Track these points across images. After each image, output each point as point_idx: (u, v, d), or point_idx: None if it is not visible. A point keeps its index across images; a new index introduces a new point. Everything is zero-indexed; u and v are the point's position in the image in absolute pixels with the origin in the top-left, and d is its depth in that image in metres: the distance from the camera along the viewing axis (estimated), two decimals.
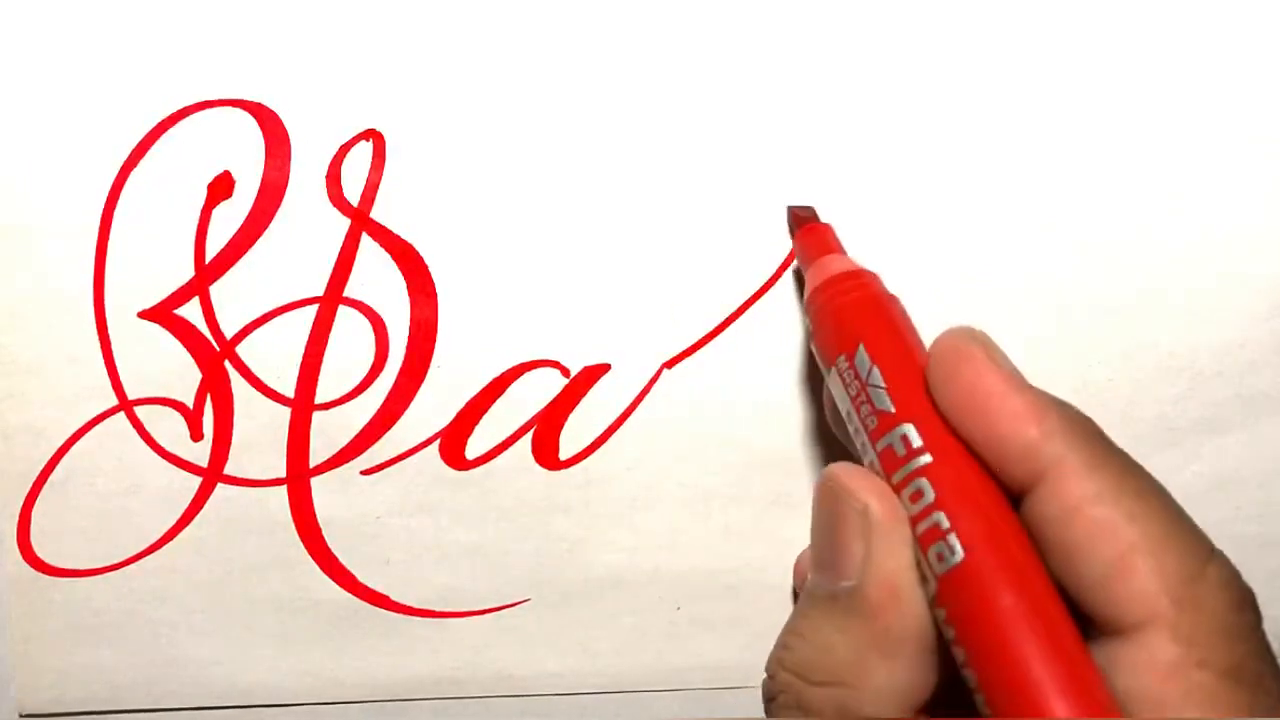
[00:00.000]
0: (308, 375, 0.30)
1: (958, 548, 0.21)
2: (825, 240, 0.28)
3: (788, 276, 0.30)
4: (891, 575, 0.22)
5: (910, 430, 0.23)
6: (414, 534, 0.31)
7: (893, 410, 0.23)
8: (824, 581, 0.23)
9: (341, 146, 0.29)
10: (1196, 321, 0.30)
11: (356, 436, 0.30)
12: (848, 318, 0.25)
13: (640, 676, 0.32)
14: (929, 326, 0.30)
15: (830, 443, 0.30)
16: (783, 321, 0.30)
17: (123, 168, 0.29)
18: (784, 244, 0.30)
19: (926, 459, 0.22)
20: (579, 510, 0.31)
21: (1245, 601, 0.21)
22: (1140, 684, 0.20)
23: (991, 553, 0.21)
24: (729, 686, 0.32)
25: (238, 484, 0.30)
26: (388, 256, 0.29)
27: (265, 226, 0.29)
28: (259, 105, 0.29)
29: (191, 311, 0.29)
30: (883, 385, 0.24)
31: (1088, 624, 0.21)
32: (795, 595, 0.31)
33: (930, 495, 0.22)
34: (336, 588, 0.31)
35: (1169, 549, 0.21)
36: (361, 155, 0.29)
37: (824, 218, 0.29)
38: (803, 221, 0.29)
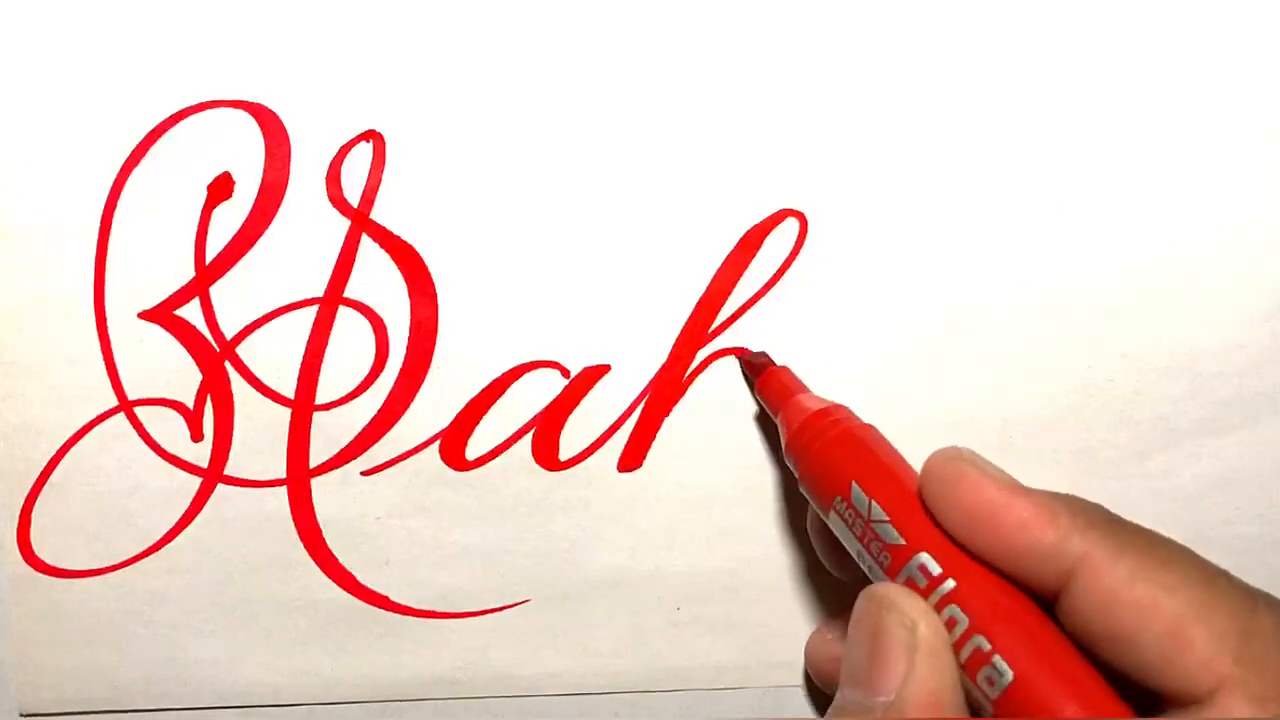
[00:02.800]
0: (308, 376, 0.30)
1: (1006, 669, 0.21)
2: (788, 383, 0.29)
3: (788, 277, 0.30)
4: (935, 693, 0.21)
5: (927, 559, 0.23)
6: (414, 534, 0.31)
7: (903, 542, 0.23)
8: (858, 696, 0.23)
9: (341, 147, 0.29)
10: (1196, 322, 0.30)
11: (356, 437, 0.30)
12: (834, 458, 0.26)
13: (640, 677, 0.32)
14: (929, 328, 0.30)
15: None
16: (783, 321, 0.30)
17: (123, 168, 0.29)
18: (785, 245, 0.30)
19: (951, 584, 0.22)
20: (579, 510, 0.31)
21: None
22: None
23: (1041, 668, 0.21)
24: (729, 687, 0.32)
25: (238, 484, 0.30)
26: (388, 257, 0.29)
27: (265, 227, 0.29)
28: (259, 105, 0.29)
29: (191, 312, 0.29)
30: (887, 519, 0.24)
31: (1158, 701, 0.21)
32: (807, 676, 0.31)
33: (965, 620, 0.22)
34: (336, 588, 0.31)
35: (1216, 609, 0.21)
36: (361, 155, 0.29)
37: (824, 220, 0.29)
38: (761, 369, 0.29)
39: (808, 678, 0.32)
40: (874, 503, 0.24)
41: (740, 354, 0.30)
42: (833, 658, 0.29)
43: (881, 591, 0.23)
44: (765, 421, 0.30)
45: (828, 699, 0.32)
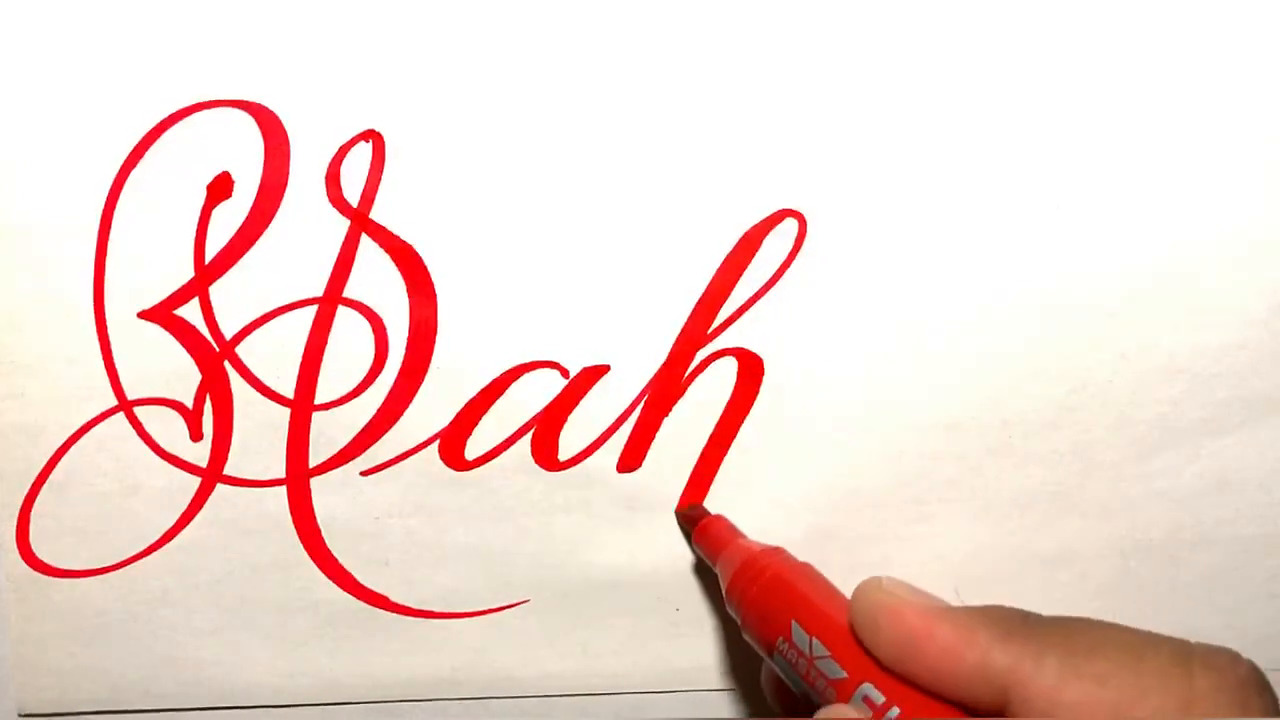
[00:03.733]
0: (307, 375, 0.30)
1: None
2: (723, 532, 0.29)
3: (788, 277, 0.30)
4: None
5: (870, 689, 0.23)
6: (414, 534, 0.31)
7: (845, 675, 0.24)
8: None
9: (341, 147, 0.29)
10: (1196, 322, 0.30)
11: (356, 437, 0.30)
12: (773, 600, 0.26)
13: (640, 677, 0.32)
14: (929, 328, 0.30)
15: (831, 442, 0.30)
16: (782, 321, 0.30)
17: (123, 168, 0.29)
18: (784, 245, 0.30)
19: (895, 712, 0.23)
20: (579, 510, 0.31)
21: (1237, 662, 0.21)
22: None
23: None
24: (728, 688, 0.32)
25: (237, 484, 0.30)
26: (387, 257, 0.29)
27: (265, 227, 0.29)
28: (259, 105, 0.29)
29: (191, 312, 0.29)
30: (828, 654, 0.24)
31: None
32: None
33: None
34: (336, 588, 0.31)
35: (1150, 690, 0.21)
36: (361, 155, 0.29)
37: (824, 220, 0.29)
38: (695, 520, 0.30)
39: None
40: (814, 639, 0.25)
41: (678, 509, 0.31)
42: None
43: (839, 713, 0.23)
44: (766, 420, 0.30)
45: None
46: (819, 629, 0.25)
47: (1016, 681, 0.21)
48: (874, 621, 0.23)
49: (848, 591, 0.25)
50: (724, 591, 0.28)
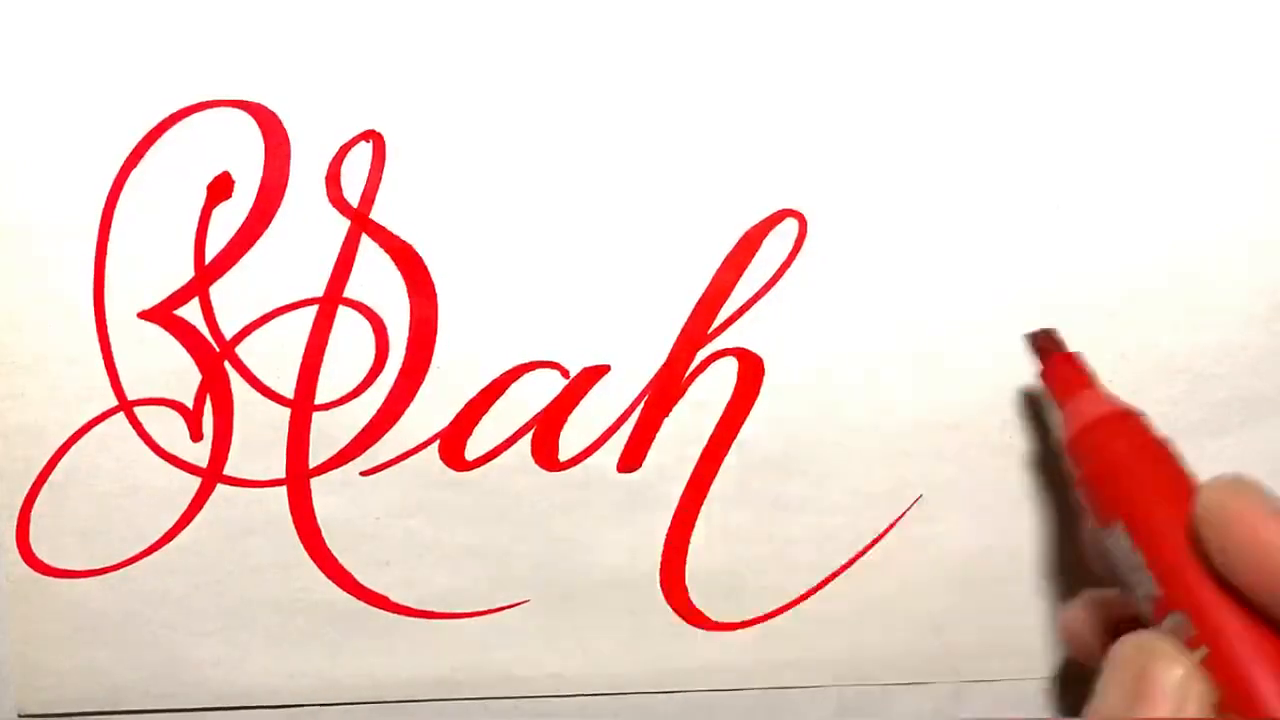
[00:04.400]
0: (307, 376, 0.30)
1: None
2: (1073, 375, 0.27)
3: (788, 277, 0.30)
4: None
5: (1183, 620, 0.22)
6: (414, 534, 0.31)
7: (1162, 596, 0.22)
8: None
9: (341, 147, 0.29)
10: (1196, 323, 0.30)
11: (356, 437, 0.30)
12: (1108, 482, 0.24)
13: (640, 677, 0.32)
14: (929, 328, 0.30)
15: (832, 442, 0.30)
16: (782, 321, 0.30)
17: (123, 168, 0.29)
18: (784, 245, 0.30)
19: (1203, 651, 0.21)
20: (579, 510, 0.31)
21: None
22: None
23: None
24: (729, 688, 0.32)
25: (237, 484, 0.30)
26: (387, 257, 0.29)
27: (265, 227, 0.29)
28: (259, 105, 0.29)
29: (191, 312, 0.29)
30: (1144, 565, 0.23)
31: None
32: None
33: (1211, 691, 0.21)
34: (336, 588, 0.31)
35: None
36: (361, 155, 0.29)
37: (824, 220, 0.29)
38: (1046, 353, 0.28)
39: (807, 678, 0.32)
40: (1137, 552, 0.23)
41: (1031, 336, 0.28)
42: (1088, 635, 0.27)
43: (1145, 639, 0.22)
44: (766, 420, 0.30)
45: (826, 700, 0.32)
46: (1143, 534, 0.23)
47: None
48: (1224, 527, 0.21)
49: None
50: (1065, 442, 0.26)
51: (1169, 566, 0.22)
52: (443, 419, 0.30)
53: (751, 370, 0.30)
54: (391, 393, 0.30)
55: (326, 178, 0.29)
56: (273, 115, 0.29)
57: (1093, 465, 0.25)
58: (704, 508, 0.31)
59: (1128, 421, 0.26)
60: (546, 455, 0.30)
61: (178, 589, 0.31)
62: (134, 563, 0.30)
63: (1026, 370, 0.30)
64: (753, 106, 0.29)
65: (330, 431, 0.30)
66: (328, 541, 0.31)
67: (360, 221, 0.29)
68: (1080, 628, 0.27)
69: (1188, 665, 0.21)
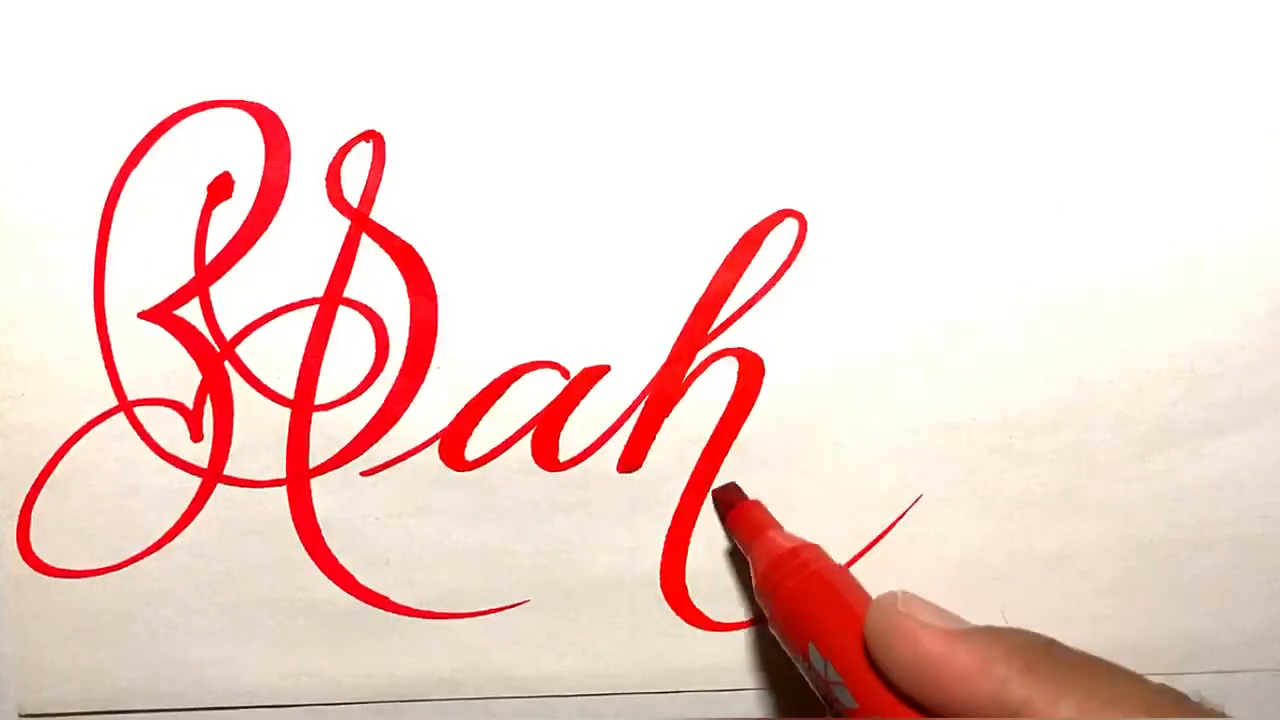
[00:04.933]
0: (308, 376, 0.30)
1: None
2: (756, 520, 0.29)
3: (788, 277, 0.30)
4: None
5: None
6: (414, 535, 0.31)
7: (857, 707, 0.23)
8: None
9: (341, 147, 0.29)
10: (1197, 323, 0.30)
11: (356, 437, 0.30)
12: (793, 615, 0.26)
13: (640, 677, 0.32)
14: (929, 328, 0.30)
15: (832, 442, 0.30)
16: (782, 321, 0.30)
17: (123, 168, 0.29)
18: (784, 245, 0.30)
19: None
20: (579, 511, 0.31)
21: None
22: None
23: None
24: (728, 688, 0.32)
25: (237, 484, 0.30)
26: (387, 257, 0.29)
27: (265, 227, 0.29)
28: (259, 105, 0.29)
29: (191, 312, 0.29)
30: (841, 682, 0.24)
31: None
32: None
33: None
34: (336, 588, 0.31)
35: None
36: (361, 155, 0.29)
37: (824, 220, 0.29)
38: (731, 504, 0.30)
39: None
40: (829, 664, 0.24)
41: (714, 490, 0.30)
42: None
43: None
44: (766, 419, 0.30)
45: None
46: (834, 652, 0.24)
47: (1030, 716, 0.21)
48: (888, 642, 0.23)
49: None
50: (754, 585, 0.28)
51: (861, 673, 0.24)
52: (443, 419, 0.30)
53: (751, 370, 0.30)
54: (391, 393, 0.30)
55: (326, 178, 0.29)
56: (273, 115, 0.29)
57: (777, 602, 0.26)
58: (704, 508, 0.31)
59: (808, 553, 0.27)
60: (546, 455, 0.30)
61: (178, 589, 0.31)
62: (134, 563, 0.30)
63: (1026, 370, 0.30)
64: (753, 106, 0.29)
65: (330, 431, 0.30)
66: (328, 541, 0.31)
67: (360, 221, 0.29)
68: None
69: None
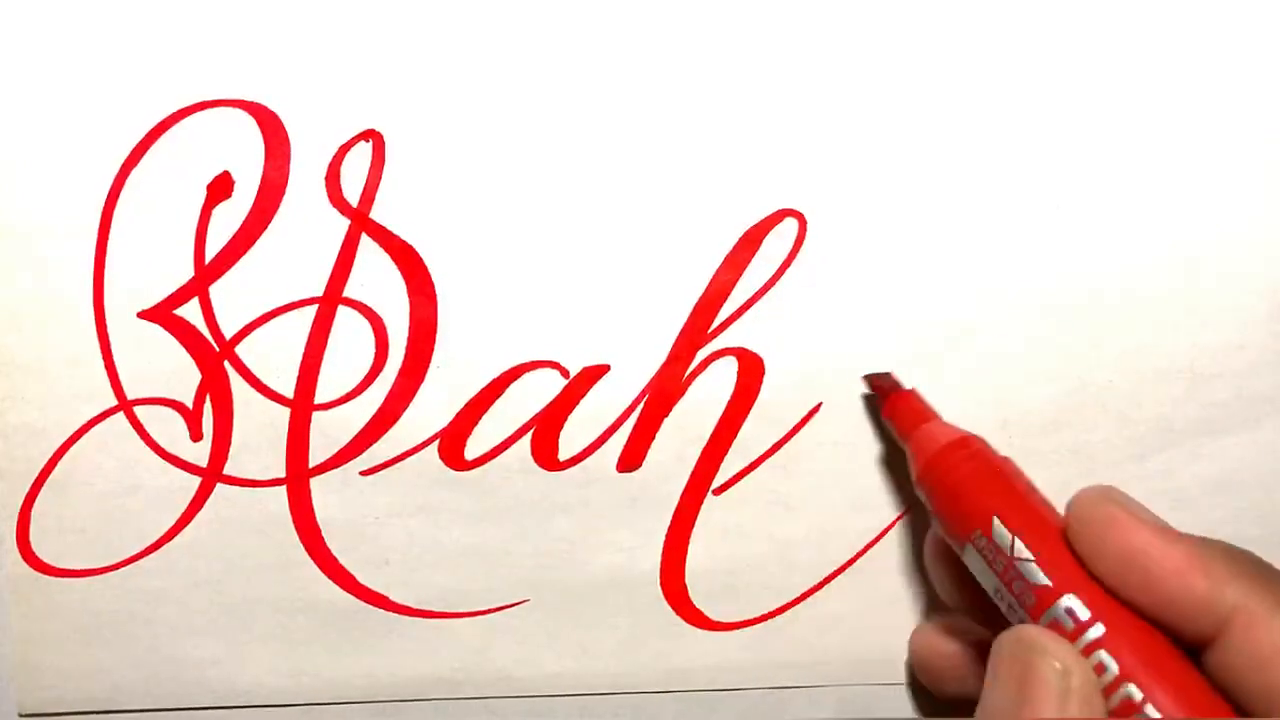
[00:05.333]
0: (307, 375, 0.30)
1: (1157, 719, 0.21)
2: (918, 409, 0.28)
3: (788, 277, 0.30)
4: None
5: (1074, 602, 0.22)
6: (413, 534, 0.31)
7: (1049, 583, 0.23)
8: None
9: (341, 146, 0.29)
10: (1196, 323, 0.30)
11: (356, 436, 0.30)
12: (974, 491, 0.25)
13: (640, 677, 0.32)
14: (929, 328, 0.30)
15: (832, 442, 0.30)
16: (782, 321, 0.30)
17: (123, 168, 0.29)
18: (784, 245, 0.30)
19: (1100, 630, 0.22)
20: (579, 510, 0.31)
21: None
22: None
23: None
24: (728, 688, 0.32)
25: (237, 484, 0.30)
26: (387, 257, 0.29)
27: (265, 226, 0.29)
28: (259, 105, 0.29)
29: (191, 311, 0.29)
30: (1031, 558, 0.23)
31: None
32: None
33: (1114, 667, 0.22)
34: (336, 588, 0.31)
35: None
36: (361, 155, 0.29)
37: (824, 220, 0.29)
38: (888, 391, 0.29)
39: (808, 678, 0.32)
40: (1018, 540, 0.24)
41: (869, 378, 0.30)
42: (942, 654, 0.29)
43: (1031, 635, 0.22)
44: (766, 419, 0.30)
45: (826, 700, 0.32)
46: (1024, 530, 0.24)
47: (1243, 623, 0.21)
48: (1099, 532, 0.22)
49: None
50: (915, 473, 0.27)
51: (1054, 551, 0.23)
52: (443, 419, 0.30)
53: (751, 370, 0.30)
54: (391, 393, 0.30)
55: (326, 177, 0.29)
56: (273, 115, 0.29)
57: (957, 477, 0.26)
58: (704, 508, 0.31)
59: (978, 441, 0.27)
60: (546, 455, 0.30)
61: (178, 589, 0.31)
62: (134, 563, 0.30)
63: (1026, 371, 0.30)
64: (753, 106, 0.29)
65: (330, 431, 0.30)
66: (328, 541, 0.31)
67: (360, 221, 0.29)
68: (930, 652, 0.29)
69: (1069, 659, 0.22)
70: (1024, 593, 0.23)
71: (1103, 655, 0.22)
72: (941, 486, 0.26)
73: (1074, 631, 0.22)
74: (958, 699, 0.28)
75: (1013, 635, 0.22)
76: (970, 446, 0.26)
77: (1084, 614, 0.22)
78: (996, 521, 0.24)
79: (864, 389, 0.30)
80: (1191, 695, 0.21)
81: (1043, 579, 0.23)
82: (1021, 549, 0.23)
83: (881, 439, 0.30)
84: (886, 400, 0.29)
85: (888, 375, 0.29)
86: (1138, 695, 0.21)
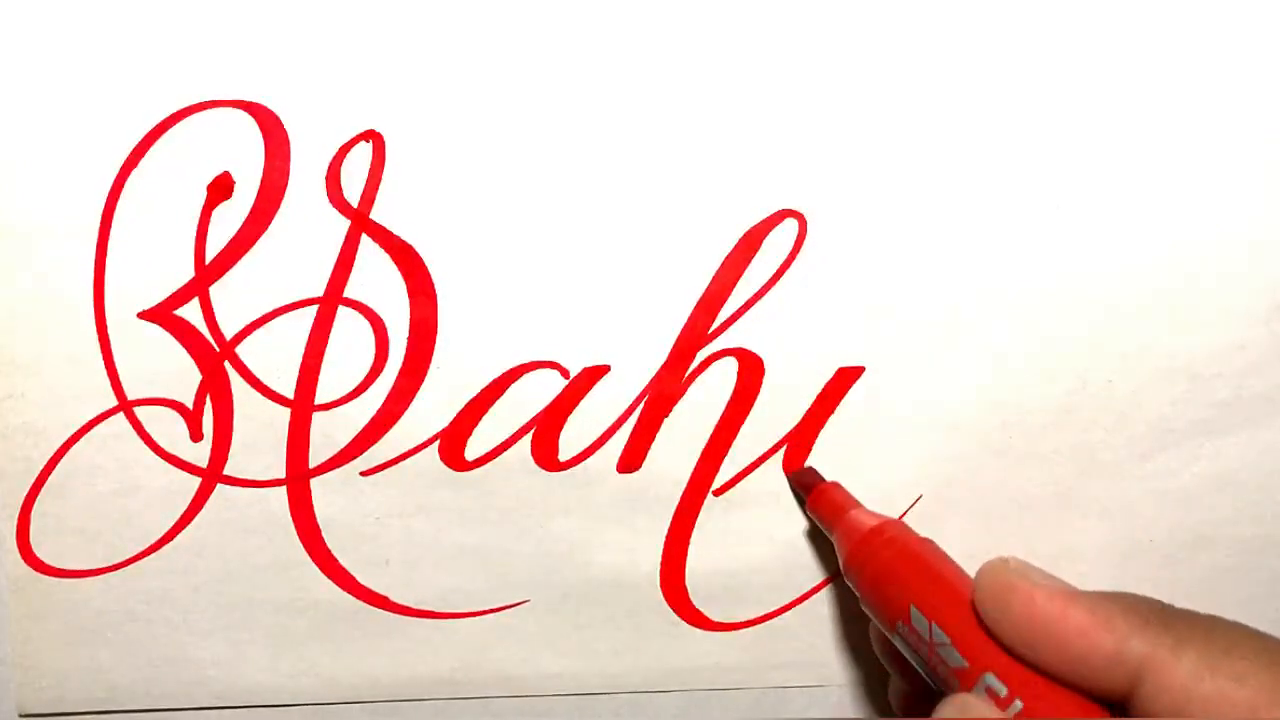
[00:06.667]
0: (307, 376, 0.30)
1: None
2: (839, 500, 0.29)
3: (788, 277, 0.30)
4: None
5: (993, 680, 0.23)
6: (414, 534, 0.31)
7: (967, 665, 0.23)
8: None
9: (341, 147, 0.29)
10: (1196, 323, 0.30)
11: (356, 437, 0.30)
12: (891, 581, 0.26)
13: (639, 677, 0.32)
14: (929, 328, 0.30)
15: (832, 442, 0.31)
16: (782, 321, 0.30)
17: (123, 168, 0.29)
18: (784, 245, 0.30)
19: (1019, 705, 0.22)
20: (579, 510, 0.31)
21: None
22: None
23: None
24: (728, 688, 0.32)
25: (237, 484, 0.30)
26: (387, 257, 0.29)
27: (265, 227, 0.29)
28: (259, 105, 0.29)
29: (191, 312, 0.29)
30: (948, 641, 0.24)
31: None
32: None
33: None
34: (336, 588, 0.31)
35: None
36: (361, 155, 0.29)
37: (824, 220, 0.29)
38: (809, 486, 0.30)
39: (808, 678, 0.32)
40: (935, 626, 0.24)
41: (788, 471, 0.30)
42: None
43: (968, 703, 0.23)
44: (766, 418, 0.30)
45: (826, 700, 0.32)
46: (939, 614, 0.24)
47: (1153, 670, 0.21)
48: (1002, 603, 0.23)
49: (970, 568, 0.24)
50: (841, 564, 0.28)
51: (968, 632, 0.24)
52: (443, 419, 0.30)
53: (751, 370, 0.30)
54: (391, 393, 0.30)
55: (326, 178, 0.29)
56: (273, 115, 0.29)
57: (873, 569, 0.26)
58: (704, 508, 0.31)
59: (897, 527, 0.27)
60: (546, 455, 0.30)
61: (178, 589, 0.31)
62: (134, 563, 0.30)
63: (1026, 371, 0.30)
64: (753, 107, 0.29)
65: (330, 431, 0.30)
66: (328, 541, 0.31)
67: (360, 221, 0.29)
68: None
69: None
70: (947, 676, 0.24)
71: None
72: (862, 578, 0.27)
73: (1000, 706, 0.23)
74: None
75: (952, 701, 0.23)
76: (885, 534, 0.27)
77: (1002, 690, 0.23)
78: (914, 609, 0.25)
79: (790, 484, 0.31)
80: None
81: (960, 661, 0.23)
82: (939, 634, 0.24)
83: (881, 439, 0.30)
84: (810, 494, 0.30)
85: (810, 471, 0.30)
86: None
